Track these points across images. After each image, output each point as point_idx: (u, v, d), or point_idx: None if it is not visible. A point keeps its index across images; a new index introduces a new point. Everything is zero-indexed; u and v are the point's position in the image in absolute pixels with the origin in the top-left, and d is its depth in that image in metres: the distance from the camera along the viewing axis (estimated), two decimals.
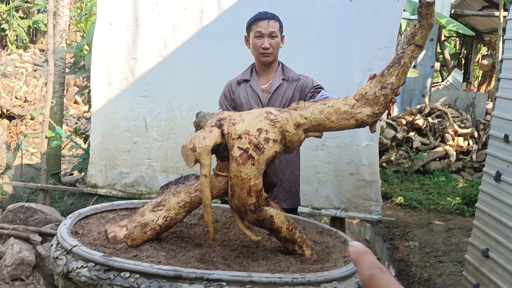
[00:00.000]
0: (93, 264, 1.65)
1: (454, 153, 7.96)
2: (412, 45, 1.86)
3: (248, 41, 2.64)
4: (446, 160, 7.98)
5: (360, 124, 1.95)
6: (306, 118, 1.92)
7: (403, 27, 9.18)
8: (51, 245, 1.88)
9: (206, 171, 1.85)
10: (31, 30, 13.68)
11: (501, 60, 3.06)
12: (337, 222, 4.06)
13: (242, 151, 1.81)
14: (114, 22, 3.84)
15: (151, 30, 3.84)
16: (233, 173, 1.84)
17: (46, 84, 6.04)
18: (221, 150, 1.90)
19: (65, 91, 4.63)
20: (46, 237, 3.60)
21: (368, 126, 1.98)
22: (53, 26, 4.30)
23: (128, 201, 2.45)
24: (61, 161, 4.86)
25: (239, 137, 1.83)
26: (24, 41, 12.80)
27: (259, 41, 2.57)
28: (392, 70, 1.90)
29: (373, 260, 0.52)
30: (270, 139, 1.84)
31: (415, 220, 5.97)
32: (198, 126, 2.03)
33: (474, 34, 9.90)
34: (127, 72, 3.90)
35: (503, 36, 7.77)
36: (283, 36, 2.65)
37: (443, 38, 12.17)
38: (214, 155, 1.92)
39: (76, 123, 9.53)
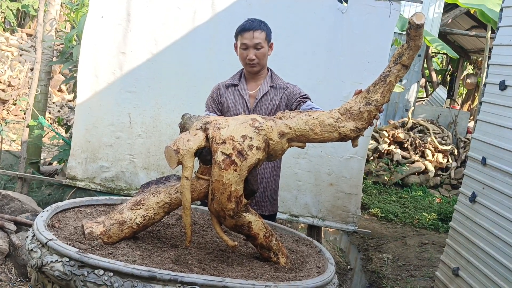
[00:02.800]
0: (67, 259, 1.65)
1: (433, 168, 8.09)
2: (398, 65, 1.90)
3: (237, 48, 2.65)
4: (425, 175, 8.11)
5: (343, 138, 1.98)
6: (290, 128, 1.95)
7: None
8: (27, 237, 1.87)
9: (188, 174, 1.86)
10: (19, 13, 13.46)
11: (485, 84, 3.13)
12: (314, 230, 4.09)
13: (225, 156, 1.83)
14: (106, 16, 3.82)
15: (143, 26, 3.83)
16: (214, 178, 1.85)
17: (31, 70, 5.98)
18: (205, 154, 1.92)
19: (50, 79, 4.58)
20: (21, 226, 3.56)
21: (350, 140, 2.02)
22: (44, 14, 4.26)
23: (107, 197, 2.45)
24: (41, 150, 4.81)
25: (223, 142, 1.85)
26: (12, 24, 12.61)
27: (245, 52, 2.58)
28: (377, 87, 1.93)
29: None
30: (254, 146, 1.86)
31: (390, 232, 6.04)
32: (183, 128, 2.03)
33: (457, 56, 10.11)
34: (115, 67, 3.88)
35: (489, 58, 7.91)
36: (272, 44, 2.65)
37: (430, 54, 12.36)
38: (197, 158, 1.93)
39: (59, 111, 9.40)
